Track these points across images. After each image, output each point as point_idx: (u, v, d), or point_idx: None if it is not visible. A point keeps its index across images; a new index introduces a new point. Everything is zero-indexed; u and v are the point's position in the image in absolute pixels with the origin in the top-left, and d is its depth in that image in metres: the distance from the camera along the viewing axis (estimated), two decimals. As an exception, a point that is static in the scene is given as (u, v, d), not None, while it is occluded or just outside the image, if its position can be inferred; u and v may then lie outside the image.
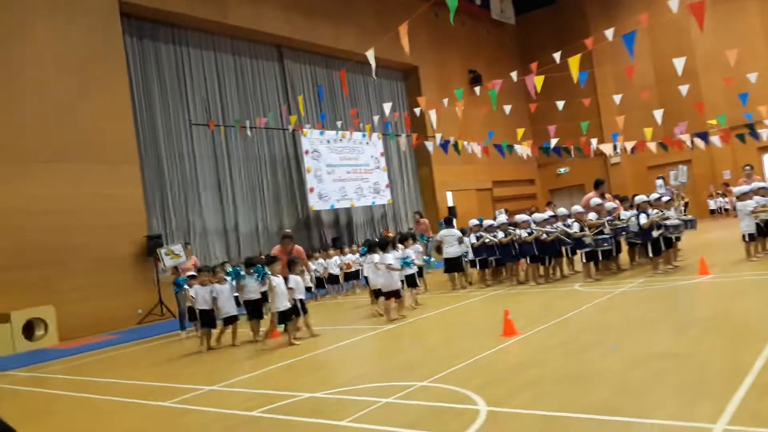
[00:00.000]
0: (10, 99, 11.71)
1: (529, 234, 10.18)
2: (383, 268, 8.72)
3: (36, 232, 11.55)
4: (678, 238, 10.05)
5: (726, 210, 21.37)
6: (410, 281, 9.41)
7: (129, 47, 14.26)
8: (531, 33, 27.34)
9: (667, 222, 9.35)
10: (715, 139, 14.01)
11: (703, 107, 15.15)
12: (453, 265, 11.20)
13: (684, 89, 12.64)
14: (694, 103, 15.36)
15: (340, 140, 18.26)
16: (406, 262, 8.99)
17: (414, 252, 10.05)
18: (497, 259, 11.01)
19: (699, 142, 14.23)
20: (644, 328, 5.85)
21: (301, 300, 8.07)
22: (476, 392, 4.34)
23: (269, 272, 7.77)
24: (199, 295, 8.53)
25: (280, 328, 8.04)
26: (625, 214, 10.38)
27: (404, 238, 10.36)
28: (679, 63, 10.72)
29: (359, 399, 4.66)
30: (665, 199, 10.15)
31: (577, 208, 10.43)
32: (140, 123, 14.28)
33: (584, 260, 9.84)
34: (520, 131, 15.38)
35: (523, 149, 15.30)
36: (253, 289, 8.55)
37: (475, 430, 3.61)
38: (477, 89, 13.86)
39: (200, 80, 15.87)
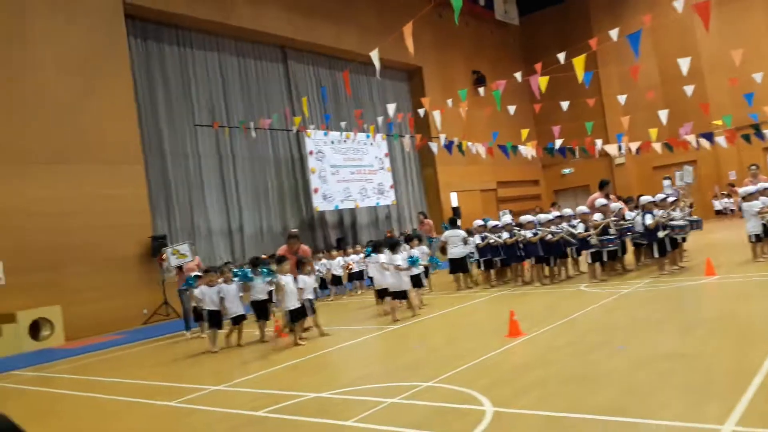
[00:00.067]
0: (17, 100, 11.77)
1: (534, 234, 10.17)
2: (392, 269, 8.71)
3: (42, 233, 11.59)
4: (684, 239, 10.02)
5: (731, 211, 21.30)
6: (416, 281, 9.41)
7: (133, 48, 14.32)
8: (535, 33, 27.30)
9: (673, 223, 9.32)
10: (720, 140, 13.97)
11: (709, 108, 15.13)
12: (458, 266, 11.19)
13: (689, 89, 12.61)
14: (699, 104, 15.34)
15: (344, 141, 18.27)
16: (412, 261, 8.97)
17: (420, 252, 10.04)
18: (502, 260, 10.99)
19: (704, 143, 14.19)
20: (650, 329, 5.84)
21: (310, 300, 8.06)
22: (482, 393, 4.34)
23: (277, 272, 7.77)
24: (206, 295, 8.52)
25: (285, 329, 8.05)
26: (629, 214, 10.35)
27: (410, 239, 10.35)
28: (684, 63, 10.70)
29: (364, 399, 4.66)
30: (671, 199, 10.12)
31: (582, 208, 10.40)
32: (145, 124, 14.33)
33: (589, 261, 9.82)
34: (525, 132, 15.36)
35: (528, 150, 15.29)
36: (260, 289, 8.57)
37: (481, 431, 3.61)
38: (481, 90, 13.90)
39: (204, 81, 15.91)
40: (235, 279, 8.65)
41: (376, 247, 9.53)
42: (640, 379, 4.19)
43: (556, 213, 11.00)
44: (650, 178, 23.14)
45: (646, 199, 9.87)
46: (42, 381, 7.86)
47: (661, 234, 9.18)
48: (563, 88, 14.22)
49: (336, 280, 13.36)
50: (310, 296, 8.12)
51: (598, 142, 15.39)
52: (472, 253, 11.21)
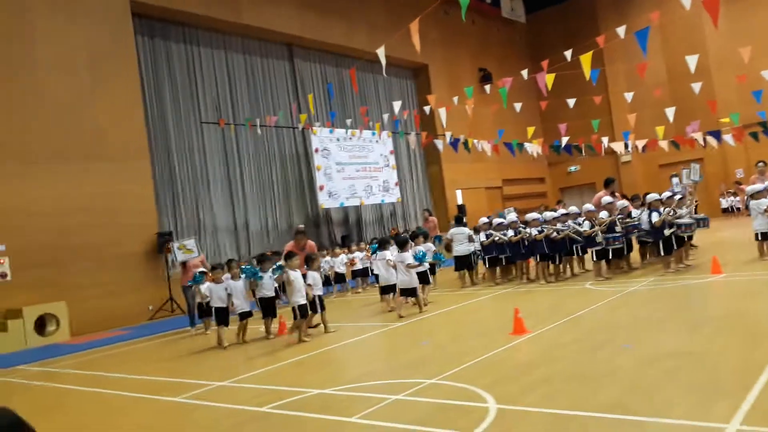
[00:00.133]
0: (27, 99, 11.81)
1: (540, 232, 10.14)
2: (403, 267, 8.71)
3: (48, 229, 11.65)
4: (690, 237, 9.97)
5: (738, 209, 21.18)
6: (422, 278, 9.39)
7: (140, 46, 14.35)
8: (541, 31, 27.21)
9: (679, 221, 9.28)
10: (727, 138, 13.86)
11: (716, 105, 15.00)
12: (463, 263, 11.18)
13: (696, 87, 12.51)
14: (706, 101, 15.19)
15: (350, 138, 18.27)
16: (419, 258, 8.96)
17: (425, 250, 10.03)
18: (507, 258, 10.97)
19: (711, 141, 14.09)
20: (655, 327, 5.80)
21: (319, 296, 8.06)
22: (486, 390, 4.33)
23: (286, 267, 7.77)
24: (213, 292, 8.53)
25: (289, 323, 8.06)
26: (635, 212, 10.31)
27: (415, 236, 10.34)
28: (691, 60, 10.62)
29: (368, 396, 4.66)
30: (677, 197, 10.07)
31: (588, 206, 10.37)
32: (151, 121, 14.37)
33: (595, 259, 9.80)
34: (531, 129, 15.30)
35: (534, 147, 15.23)
36: (267, 286, 8.57)
37: (485, 428, 3.60)
38: (487, 87, 13.83)
39: (211, 79, 15.94)
40: (243, 276, 8.66)
41: (382, 244, 9.53)
42: (646, 377, 4.17)
43: (562, 210, 10.97)
44: (656, 175, 23.03)
45: (652, 196, 9.82)
46: (47, 376, 7.90)
47: (667, 232, 9.14)
48: (570, 85, 14.15)
49: (339, 278, 13.36)
50: (319, 292, 8.12)
51: (605, 140, 15.30)
52: (479, 250, 11.20)
